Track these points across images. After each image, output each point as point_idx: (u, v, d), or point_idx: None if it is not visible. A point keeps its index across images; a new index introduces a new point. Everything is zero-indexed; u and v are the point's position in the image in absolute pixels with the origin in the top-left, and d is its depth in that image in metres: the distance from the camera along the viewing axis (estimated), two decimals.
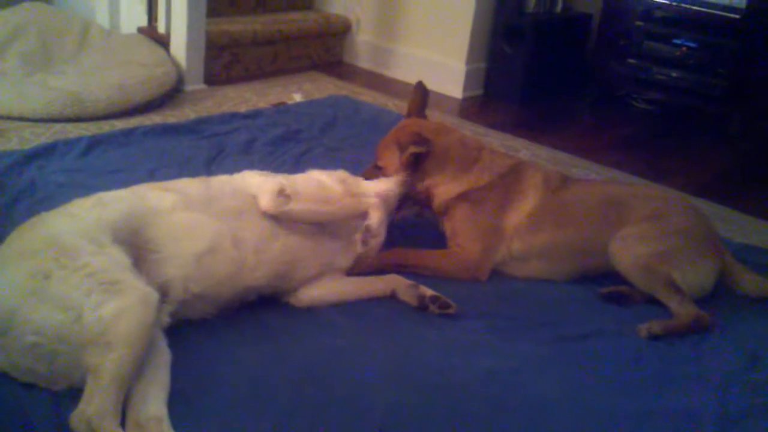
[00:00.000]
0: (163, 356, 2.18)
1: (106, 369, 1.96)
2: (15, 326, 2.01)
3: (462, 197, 3.04)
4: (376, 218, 2.72)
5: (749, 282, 3.02)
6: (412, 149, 3.02)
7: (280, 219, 2.62)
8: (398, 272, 2.86)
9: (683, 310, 2.78)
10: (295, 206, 2.62)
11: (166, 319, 2.30)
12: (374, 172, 3.16)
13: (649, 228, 2.93)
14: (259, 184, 2.66)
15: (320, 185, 2.80)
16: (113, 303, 2.03)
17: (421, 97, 3.37)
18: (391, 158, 3.10)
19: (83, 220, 2.26)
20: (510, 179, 3.07)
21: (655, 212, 2.99)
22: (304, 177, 2.86)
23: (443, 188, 3.07)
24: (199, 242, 2.42)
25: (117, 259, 2.19)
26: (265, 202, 2.59)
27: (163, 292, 2.31)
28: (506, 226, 3.00)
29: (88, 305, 2.02)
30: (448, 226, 3.08)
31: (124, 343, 1.99)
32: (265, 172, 2.80)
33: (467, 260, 2.97)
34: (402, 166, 3.05)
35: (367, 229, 2.70)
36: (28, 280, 2.05)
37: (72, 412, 1.94)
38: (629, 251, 2.89)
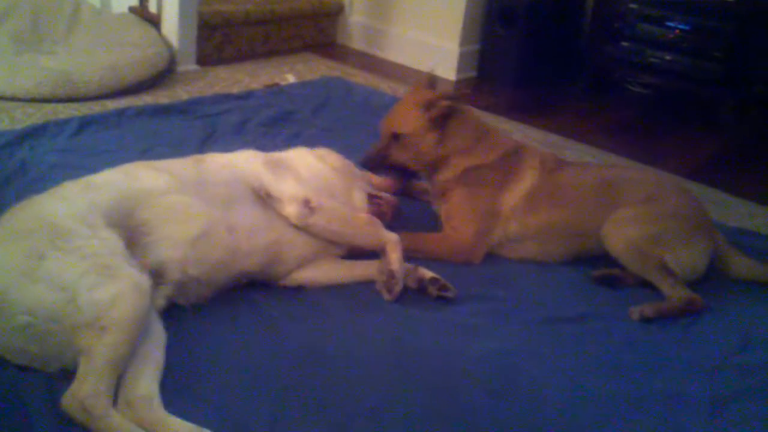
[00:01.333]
0: (158, 337, 2.18)
1: (100, 352, 1.96)
2: (7, 305, 2.00)
3: (463, 176, 3.02)
4: (396, 262, 2.68)
5: (741, 265, 3.03)
6: (446, 103, 2.99)
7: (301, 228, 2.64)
8: None
9: (675, 293, 2.79)
10: (318, 221, 2.63)
11: (161, 302, 2.30)
12: (390, 145, 3.06)
13: (642, 211, 2.94)
14: (275, 185, 2.64)
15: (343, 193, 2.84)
16: (108, 287, 2.02)
17: (429, 83, 3.31)
18: (414, 121, 3.02)
19: (76, 203, 2.25)
20: (510, 160, 3.06)
21: (649, 195, 2.99)
22: (305, 166, 2.83)
23: (459, 159, 3.04)
24: (192, 227, 2.41)
25: (110, 244, 2.18)
26: (293, 211, 2.60)
27: (159, 274, 2.31)
28: (503, 207, 3.00)
29: (82, 287, 2.01)
30: (443, 209, 3.08)
31: (118, 328, 1.99)
32: (261, 154, 2.80)
33: (461, 243, 2.97)
34: (430, 124, 3.00)
35: (391, 275, 2.67)
36: (22, 259, 2.04)
37: (64, 393, 1.94)
38: (622, 234, 2.89)
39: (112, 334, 1.98)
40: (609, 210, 2.95)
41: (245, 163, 2.71)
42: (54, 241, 2.08)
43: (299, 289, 2.69)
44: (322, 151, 2.98)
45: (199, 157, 2.75)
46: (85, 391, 1.92)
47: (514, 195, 3.01)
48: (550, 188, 3.03)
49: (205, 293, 2.49)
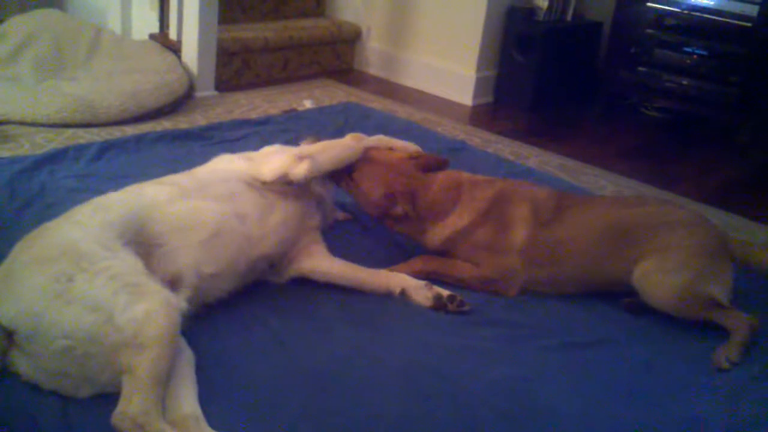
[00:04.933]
0: (187, 355, 2.21)
1: (142, 368, 1.99)
2: (43, 331, 2.01)
3: (450, 242, 2.93)
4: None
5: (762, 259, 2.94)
6: (399, 211, 2.89)
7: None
8: (425, 278, 2.88)
9: (739, 323, 2.71)
10: (321, 159, 2.84)
11: (183, 305, 2.29)
12: (348, 183, 3.00)
13: (669, 258, 2.80)
14: (265, 170, 2.78)
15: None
16: (140, 305, 2.06)
17: (436, 165, 3.09)
18: (373, 193, 2.93)
19: (90, 226, 2.28)
20: (494, 212, 2.91)
21: (668, 242, 2.84)
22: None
23: (428, 236, 2.95)
24: (204, 228, 2.50)
25: (131, 263, 2.22)
26: (302, 168, 2.77)
27: (177, 281, 2.37)
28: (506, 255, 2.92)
29: (117, 306, 2.04)
30: (458, 258, 2.97)
31: (157, 343, 2.02)
32: (234, 155, 2.96)
33: (491, 274, 2.91)
34: (377, 209, 2.94)
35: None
36: (51, 284, 2.05)
37: (113, 413, 1.96)
38: (667, 284, 2.77)
39: (151, 350, 2.01)
40: (625, 259, 2.85)
41: (227, 164, 2.87)
42: (79, 264, 2.10)
43: (312, 284, 2.82)
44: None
45: (188, 171, 2.83)
46: (135, 409, 1.94)
47: (509, 248, 2.89)
48: (548, 243, 2.89)
49: (228, 287, 2.58)
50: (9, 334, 2.06)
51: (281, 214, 2.75)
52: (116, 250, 2.22)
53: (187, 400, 2.07)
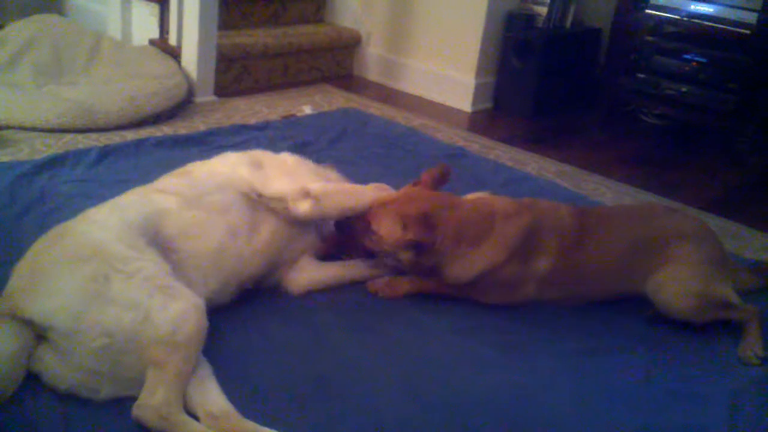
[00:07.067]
0: (203, 359, 2.24)
1: (172, 364, 2.06)
2: (83, 329, 2.05)
3: (480, 278, 2.81)
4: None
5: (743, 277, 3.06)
6: (421, 237, 2.71)
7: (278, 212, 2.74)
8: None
9: (750, 315, 2.83)
10: (328, 204, 2.76)
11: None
12: (364, 230, 2.82)
13: (682, 269, 2.85)
14: (269, 186, 2.72)
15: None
16: (174, 306, 2.12)
17: (441, 177, 2.98)
18: (392, 229, 2.74)
19: (112, 226, 2.30)
20: (524, 246, 2.82)
21: (679, 254, 2.87)
22: (278, 159, 2.99)
23: (456, 269, 2.80)
24: (211, 240, 2.51)
25: (159, 264, 2.27)
26: (305, 207, 2.70)
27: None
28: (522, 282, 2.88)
29: (154, 306, 2.10)
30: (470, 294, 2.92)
31: (188, 342, 2.10)
32: (241, 155, 2.90)
33: (505, 304, 2.90)
34: (402, 245, 2.75)
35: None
36: (89, 284, 2.09)
37: (134, 404, 2.04)
38: (679, 294, 2.82)
39: (182, 349, 2.08)
40: (642, 269, 2.88)
41: (230, 168, 2.79)
42: (114, 265, 2.14)
43: (306, 297, 2.81)
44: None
45: (183, 170, 2.80)
46: (158, 400, 2.01)
47: (529, 279, 2.86)
48: (572, 268, 2.88)
49: (222, 301, 2.57)
50: (39, 333, 2.08)
51: (268, 232, 2.70)
52: (143, 251, 2.26)
53: (218, 396, 2.13)
